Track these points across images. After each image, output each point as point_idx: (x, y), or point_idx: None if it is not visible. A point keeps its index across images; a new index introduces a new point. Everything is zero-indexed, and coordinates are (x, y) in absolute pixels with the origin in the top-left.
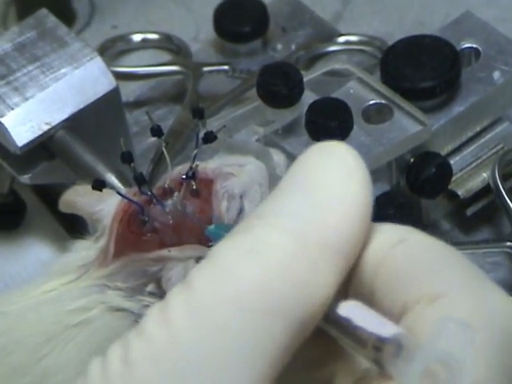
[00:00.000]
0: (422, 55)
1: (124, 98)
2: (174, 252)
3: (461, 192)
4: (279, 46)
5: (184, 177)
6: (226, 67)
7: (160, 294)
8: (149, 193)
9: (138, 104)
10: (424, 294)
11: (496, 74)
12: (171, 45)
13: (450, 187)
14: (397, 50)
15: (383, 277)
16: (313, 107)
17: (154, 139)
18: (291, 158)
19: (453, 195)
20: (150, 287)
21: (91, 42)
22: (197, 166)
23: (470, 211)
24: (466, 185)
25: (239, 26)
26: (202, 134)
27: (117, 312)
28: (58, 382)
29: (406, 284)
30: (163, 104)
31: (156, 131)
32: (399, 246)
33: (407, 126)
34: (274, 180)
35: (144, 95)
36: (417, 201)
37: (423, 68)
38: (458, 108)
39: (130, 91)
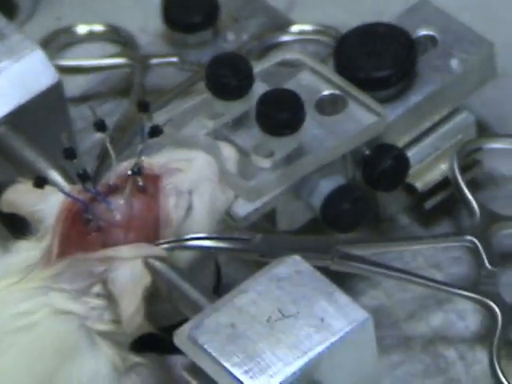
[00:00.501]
0: (376, 44)
1: (69, 93)
2: (119, 251)
3: (419, 185)
4: (230, 37)
5: (129, 173)
6: (174, 59)
7: (107, 295)
8: (93, 190)
9: (83, 99)
10: None
11: (454, 62)
12: (118, 37)
13: (407, 180)
14: (351, 39)
15: None
16: (263, 99)
17: (99, 135)
18: (241, 151)
19: (411, 188)
20: (97, 288)
21: (34, 35)
22: (142, 161)
23: (428, 205)
24: (424, 177)
25: (188, 16)
26: (148, 128)
27: (62, 315)
28: None
29: None
30: (110, 98)
31: (99, 126)
32: None
33: (362, 118)
34: (223, 175)
35: (90, 89)
36: (373, 195)
37: (378, 57)
38: (414, 98)
39: (75, 85)
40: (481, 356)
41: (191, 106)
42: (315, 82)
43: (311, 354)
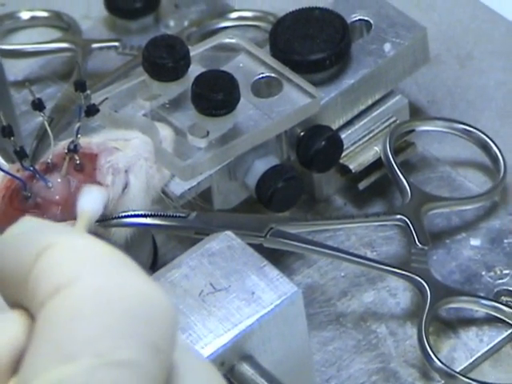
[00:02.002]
0: (311, 28)
1: (12, 77)
2: None
3: (353, 166)
4: (172, 23)
5: (66, 151)
6: (115, 43)
7: None
8: (31, 168)
9: (26, 83)
10: (53, 287)
11: (387, 46)
12: (61, 22)
13: (341, 161)
14: (286, 23)
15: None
16: (199, 80)
17: (41, 118)
18: (178, 131)
19: (345, 170)
20: None
21: None
22: (79, 139)
23: (362, 185)
24: (357, 159)
25: (130, 2)
26: (84, 108)
27: None
28: None
29: (39, 284)
30: (53, 82)
31: (37, 105)
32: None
33: (296, 99)
34: (160, 154)
35: (33, 74)
36: (308, 175)
37: (313, 40)
38: (348, 81)
39: (18, 70)
40: (411, 332)
41: (129, 87)
42: (251, 65)
43: (241, 327)
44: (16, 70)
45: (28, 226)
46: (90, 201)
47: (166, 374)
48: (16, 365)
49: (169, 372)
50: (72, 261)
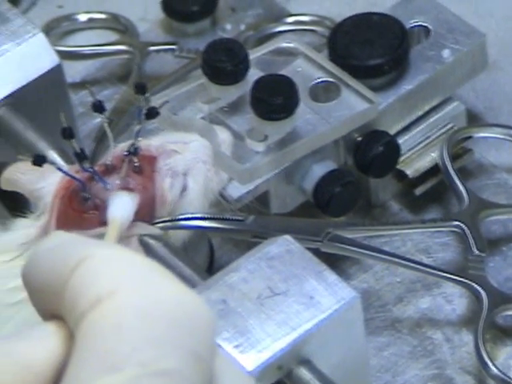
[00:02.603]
0: (370, 33)
1: (70, 79)
2: None
3: (409, 172)
4: (228, 26)
5: (126, 153)
6: (173, 47)
7: None
8: (90, 169)
9: (84, 84)
10: (94, 298)
11: (446, 52)
12: (118, 25)
13: (398, 167)
14: (345, 28)
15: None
16: (258, 84)
17: (99, 120)
18: (236, 135)
19: (401, 175)
20: None
21: (37, 22)
22: (139, 141)
23: (418, 191)
24: (414, 165)
25: (187, 6)
26: (144, 111)
27: None
28: None
29: (78, 295)
30: (110, 84)
31: (98, 107)
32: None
33: (355, 104)
34: (218, 158)
35: (90, 76)
36: (365, 181)
37: (371, 46)
38: (406, 86)
39: (75, 72)
40: (467, 339)
41: (188, 90)
42: (309, 69)
43: (300, 331)
44: (73, 71)
45: (61, 239)
46: (120, 207)
47: (207, 382)
48: (57, 378)
49: (210, 381)
50: (111, 272)
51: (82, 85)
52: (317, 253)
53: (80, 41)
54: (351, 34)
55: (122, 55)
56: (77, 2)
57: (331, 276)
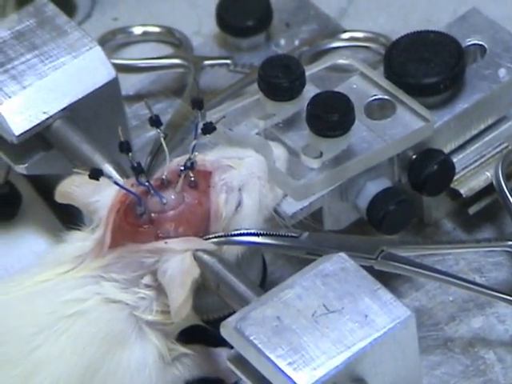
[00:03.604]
0: (426, 51)
1: (124, 92)
2: (170, 244)
3: (463, 191)
4: (282, 42)
5: (182, 168)
6: (227, 61)
7: (156, 286)
8: (146, 183)
9: (137, 97)
10: None
11: (502, 72)
12: (172, 38)
13: (452, 186)
14: (401, 46)
15: None
16: (314, 100)
17: (153, 133)
18: (291, 151)
19: (455, 194)
20: (146, 279)
21: (92, 34)
22: (195, 156)
23: (472, 210)
24: (468, 183)
25: (242, 21)
26: (201, 126)
27: (112, 303)
28: (50, 373)
29: None
30: (164, 97)
31: (154, 121)
32: None
33: (410, 122)
34: (273, 174)
35: (144, 89)
36: (419, 199)
37: (427, 64)
38: (461, 105)
39: (129, 85)
40: None
41: (243, 105)
42: (365, 86)
43: (354, 349)
44: (127, 84)
45: None
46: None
47: None
48: None
49: None
50: None
51: (136, 98)
52: (370, 271)
53: (134, 54)
54: (407, 51)
55: (176, 69)
56: (132, 15)
57: (386, 294)
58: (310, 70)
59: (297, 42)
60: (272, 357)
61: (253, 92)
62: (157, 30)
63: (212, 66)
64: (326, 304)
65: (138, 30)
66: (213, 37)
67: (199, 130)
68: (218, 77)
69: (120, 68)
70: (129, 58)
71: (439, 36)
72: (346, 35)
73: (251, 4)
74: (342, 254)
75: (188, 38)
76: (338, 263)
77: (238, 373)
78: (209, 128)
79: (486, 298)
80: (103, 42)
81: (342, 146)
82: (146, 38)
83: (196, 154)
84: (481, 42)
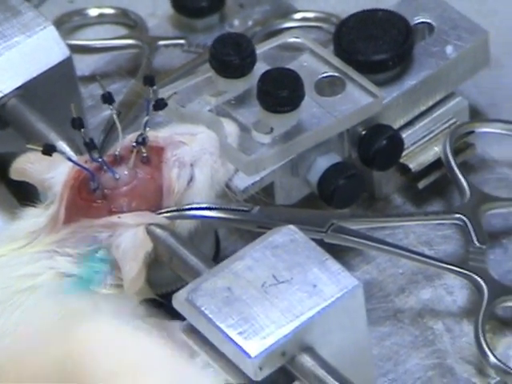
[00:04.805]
0: (375, 29)
1: (79, 72)
2: (123, 218)
3: (412, 165)
4: (236, 22)
5: (134, 143)
6: (181, 41)
7: (110, 260)
8: (99, 160)
9: (93, 78)
10: None
11: (449, 49)
12: (127, 20)
13: (401, 161)
14: (350, 24)
15: None
16: (264, 77)
17: (108, 113)
18: (243, 127)
19: (405, 169)
20: (100, 253)
21: (48, 17)
22: (147, 132)
23: (421, 185)
24: (417, 158)
25: (196, 1)
26: (153, 102)
27: (66, 278)
28: (5, 347)
29: None
30: (119, 78)
31: (107, 98)
32: None
33: (359, 98)
34: (225, 149)
35: (99, 69)
36: (369, 174)
37: (376, 41)
38: (410, 81)
39: (85, 65)
40: (467, 329)
41: (196, 83)
42: (315, 64)
43: (303, 318)
44: (83, 65)
45: None
46: None
47: None
48: None
49: None
50: None
51: (91, 78)
52: (320, 244)
53: (90, 35)
54: (356, 29)
55: (131, 49)
56: None
57: (334, 265)
58: (261, 48)
59: (250, 23)
60: (222, 326)
61: (205, 70)
62: (112, 11)
63: (166, 46)
64: (275, 275)
65: (93, 12)
66: (168, 18)
67: (151, 107)
68: (173, 57)
69: (76, 49)
70: (84, 39)
71: (388, 14)
72: (298, 15)
73: None
74: (292, 227)
75: (143, 19)
76: (288, 235)
77: (191, 343)
78: (160, 104)
79: (434, 270)
80: (59, 24)
81: (292, 122)
82: (101, 19)
83: (148, 129)
84: (429, 20)
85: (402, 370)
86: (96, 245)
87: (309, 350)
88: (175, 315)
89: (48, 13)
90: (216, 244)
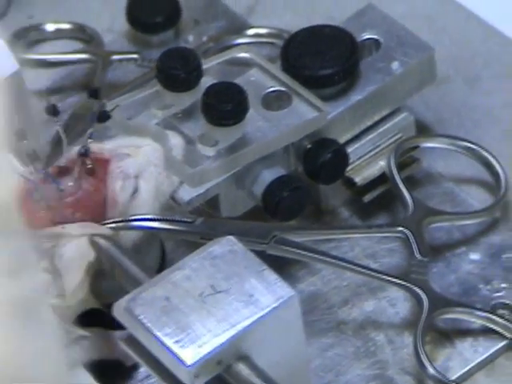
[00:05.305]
0: (321, 44)
1: (36, 86)
2: (67, 229)
3: (358, 179)
4: (191, 38)
5: (78, 154)
6: (135, 56)
7: (53, 270)
8: (43, 171)
9: (49, 92)
10: None
11: (395, 65)
12: (84, 35)
13: (347, 174)
14: (298, 39)
15: None
16: (209, 91)
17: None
18: (188, 140)
19: (350, 183)
20: (44, 263)
21: (6, 32)
22: (89, 143)
23: (366, 198)
24: (363, 172)
25: (151, 17)
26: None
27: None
28: None
29: None
30: (74, 92)
31: (51, 110)
32: None
33: (304, 112)
34: (169, 161)
35: (55, 84)
36: (315, 187)
37: (322, 56)
38: (356, 96)
39: (42, 79)
40: (408, 341)
41: (143, 97)
42: (262, 78)
43: (239, 327)
44: (40, 79)
45: None
46: None
47: None
48: None
49: None
50: None
51: (46, 92)
52: (266, 257)
53: (47, 50)
54: (303, 45)
55: (85, 64)
56: (46, 13)
57: (271, 275)
58: (210, 63)
59: (204, 38)
60: (159, 335)
61: (153, 84)
62: (68, 26)
63: (120, 60)
64: (213, 284)
65: (50, 27)
66: (123, 33)
67: (95, 119)
68: (127, 72)
69: (31, 63)
70: (40, 53)
71: (334, 30)
72: (251, 31)
73: (160, 1)
74: (231, 237)
75: (99, 33)
76: (227, 246)
77: (130, 352)
78: (104, 116)
79: (378, 282)
80: (16, 38)
81: (236, 135)
82: (58, 34)
83: (91, 141)
84: (376, 37)
85: (344, 381)
86: (39, 255)
87: (245, 358)
88: (119, 325)
89: (7, 28)
90: (162, 256)
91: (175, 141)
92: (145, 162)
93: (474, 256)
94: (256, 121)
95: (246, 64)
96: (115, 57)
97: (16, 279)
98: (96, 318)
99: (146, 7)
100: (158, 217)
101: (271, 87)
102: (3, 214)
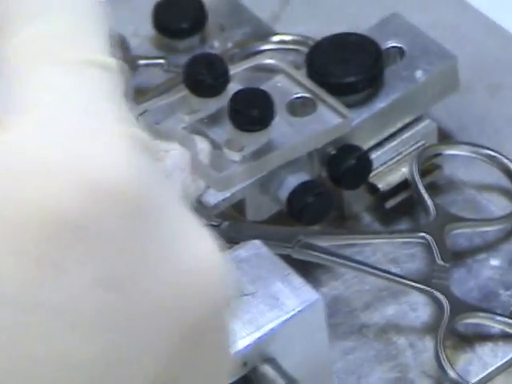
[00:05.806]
0: (346, 52)
1: None
2: None
3: (381, 185)
4: (216, 44)
5: None
6: (161, 61)
7: None
8: None
9: None
10: None
11: (418, 73)
12: (110, 39)
13: (370, 180)
14: (323, 47)
15: None
16: (236, 97)
17: None
18: (215, 145)
19: (373, 188)
20: None
21: None
22: None
23: (389, 204)
24: (386, 179)
25: (177, 23)
26: None
27: None
28: None
29: None
30: None
31: None
32: None
33: (329, 119)
34: (196, 166)
35: None
36: (339, 193)
37: (347, 64)
38: (380, 104)
39: None
40: (429, 345)
41: (170, 102)
42: (288, 85)
43: (264, 330)
44: None
45: None
46: None
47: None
48: None
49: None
50: None
51: None
52: (291, 261)
53: None
54: (328, 52)
55: None
56: None
57: (296, 279)
58: (236, 69)
59: (230, 44)
60: None
61: (180, 89)
62: None
63: (146, 65)
64: (239, 288)
65: None
66: (149, 38)
67: None
68: (153, 77)
69: None
70: None
71: (360, 38)
72: (276, 38)
73: (186, 6)
74: (257, 241)
75: (125, 38)
76: (253, 249)
77: None
78: None
79: (399, 286)
80: None
81: (262, 141)
82: None
83: None
84: (400, 45)
85: (365, 383)
86: None
87: (270, 360)
88: None
89: None
90: None
91: (202, 145)
92: (171, 166)
93: (495, 262)
94: (281, 127)
95: (271, 70)
96: (141, 61)
97: None
98: None
99: (172, 13)
100: None
101: (297, 93)
102: None
